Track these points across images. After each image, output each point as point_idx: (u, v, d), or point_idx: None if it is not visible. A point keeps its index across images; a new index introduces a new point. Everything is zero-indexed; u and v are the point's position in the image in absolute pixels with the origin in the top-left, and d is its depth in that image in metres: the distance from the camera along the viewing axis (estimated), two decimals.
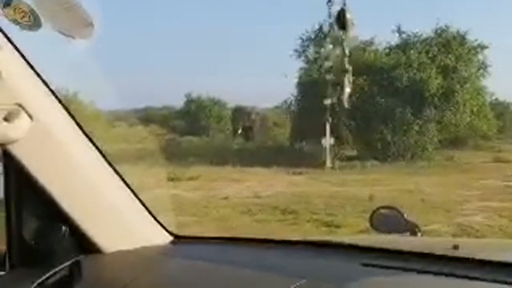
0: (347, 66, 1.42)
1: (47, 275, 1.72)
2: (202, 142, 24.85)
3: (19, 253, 1.80)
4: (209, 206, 11.79)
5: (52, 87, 1.60)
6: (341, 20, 1.34)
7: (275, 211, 11.22)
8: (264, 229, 9.66)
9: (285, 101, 23.63)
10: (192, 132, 26.41)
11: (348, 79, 1.45)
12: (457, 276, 1.36)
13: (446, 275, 1.38)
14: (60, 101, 1.63)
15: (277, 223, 10.29)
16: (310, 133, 20.42)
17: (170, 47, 36.45)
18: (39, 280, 1.71)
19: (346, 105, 1.50)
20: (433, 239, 3.64)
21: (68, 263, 1.76)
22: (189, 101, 28.75)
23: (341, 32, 1.37)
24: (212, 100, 28.47)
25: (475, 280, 1.33)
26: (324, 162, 18.53)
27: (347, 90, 1.48)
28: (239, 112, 25.90)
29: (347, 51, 1.41)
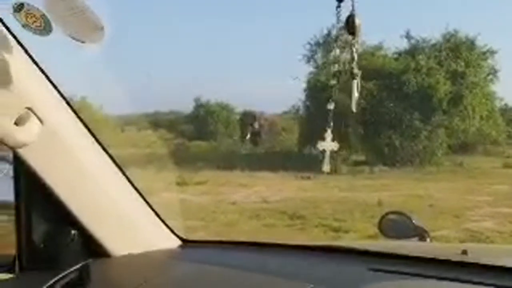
0: (356, 70, 1.43)
1: (56, 278, 1.73)
2: (210, 147, 24.87)
3: (29, 257, 1.82)
4: (217, 211, 11.79)
5: (63, 91, 1.61)
6: (350, 25, 1.35)
7: (283, 216, 11.20)
8: (272, 234, 9.64)
9: (294, 106, 23.68)
10: (201, 137, 26.44)
11: (357, 84, 1.45)
12: (466, 282, 1.35)
13: (455, 280, 1.37)
14: (70, 105, 1.64)
15: (285, 228, 10.28)
16: (318, 138, 20.34)
17: (180, 51, 36.47)
18: (48, 284, 1.71)
19: (354, 109, 1.51)
20: (442, 245, 3.62)
21: (77, 266, 1.76)
22: (198, 106, 28.80)
23: (350, 37, 1.37)
24: (221, 105, 28.49)
25: (484, 285, 1.33)
26: (334, 167, 18.48)
27: (356, 94, 1.48)
28: (248, 117, 25.91)
29: (355, 56, 1.42)
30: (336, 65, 1.46)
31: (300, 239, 9.15)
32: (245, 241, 2.07)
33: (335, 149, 1.53)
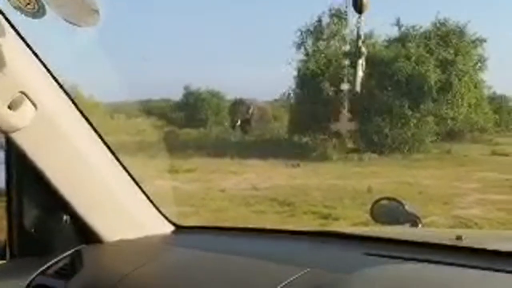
0: (363, 49, 1.43)
1: (48, 264, 1.72)
2: (200, 134, 24.83)
3: (20, 242, 1.81)
4: (207, 198, 11.79)
5: (57, 76, 1.59)
6: (358, 4, 1.34)
7: (272, 203, 11.22)
8: (262, 221, 9.67)
9: (284, 94, 23.64)
10: (191, 125, 26.31)
11: (362, 63, 1.45)
12: (462, 266, 1.36)
13: (451, 264, 1.38)
14: (64, 90, 1.62)
15: (275, 215, 10.31)
16: (308, 125, 20.43)
17: (170, 39, 36.23)
18: (40, 270, 1.71)
19: (358, 89, 1.50)
20: (436, 230, 3.64)
21: (69, 252, 1.76)
22: (188, 93, 28.64)
23: (357, 16, 1.37)
24: (211, 93, 28.34)
25: (479, 269, 1.33)
26: (325, 154, 18.62)
27: (360, 73, 1.48)
28: (239, 105, 25.85)
29: (362, 35, 1.42)
30: (348, 46, 1.47)
31: (289, 226, 9.17)
32: (238, 226, 2.07)
33: (354, 128, 1.53)
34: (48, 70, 1.57)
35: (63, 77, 1.64)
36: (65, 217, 1.77)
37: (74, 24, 1.24)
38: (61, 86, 1.61)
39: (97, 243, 1.79)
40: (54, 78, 1.58)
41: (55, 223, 1.77)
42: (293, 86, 22.87)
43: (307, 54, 22.61)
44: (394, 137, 19.90)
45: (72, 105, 1.65)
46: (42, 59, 1.54)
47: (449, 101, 20.78)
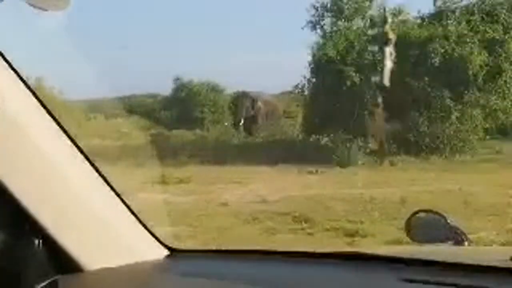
0: (390, 35, 1.42)
1: None
2: (196, 136, 24.83)
3: None
4: (205, 214, 11.81)
5: (22, 73, 1.60)
6: None
7: (285, 219, 11.23)
8: (273, 241, 9.68)
9: (297, 85, 23.61)
10: (184, 125, 26.22)
11: (389, 51, 1.44)
12: None
13: None
14: (31, 90, 1.63)
15: (289, 233, 10.31)
16: (327, 123, 20.41)
17: (156, 21, 36.31)
18: None
19: (387, 83, 1.49)
20: (486, 249, 3.62)
21: (42, 284, 1.76)
22: (179, 86, 28.50)
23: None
24: (207, 85, 28.17)
25: None
26: (348, 158, 18.66)
27: (389, 64, 1.46)
28: (242, 99, 25.83)
29: (389, 19, 1.41)
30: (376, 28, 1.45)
31: (307, 246, 9.17)
32: (242, 249, 2.07)
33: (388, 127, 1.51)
34: (11, 66, 1.58)
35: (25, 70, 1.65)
36: (37, 241, 1.77)
37: (41, 9, 1.25)
38: (27, 85, 1.61)
39: (76, 272, 1.79)
40: (18, 75, 1.59)
41: (24, 249, 1.78)
42: (308, 75, 22.89)
43: (324, 35, 22.61)
44: (432, 135, 19.87)
45: (42, 107, 1.65)
46: (4, 53, 1.55)
47: (499, 90, 20.74)
